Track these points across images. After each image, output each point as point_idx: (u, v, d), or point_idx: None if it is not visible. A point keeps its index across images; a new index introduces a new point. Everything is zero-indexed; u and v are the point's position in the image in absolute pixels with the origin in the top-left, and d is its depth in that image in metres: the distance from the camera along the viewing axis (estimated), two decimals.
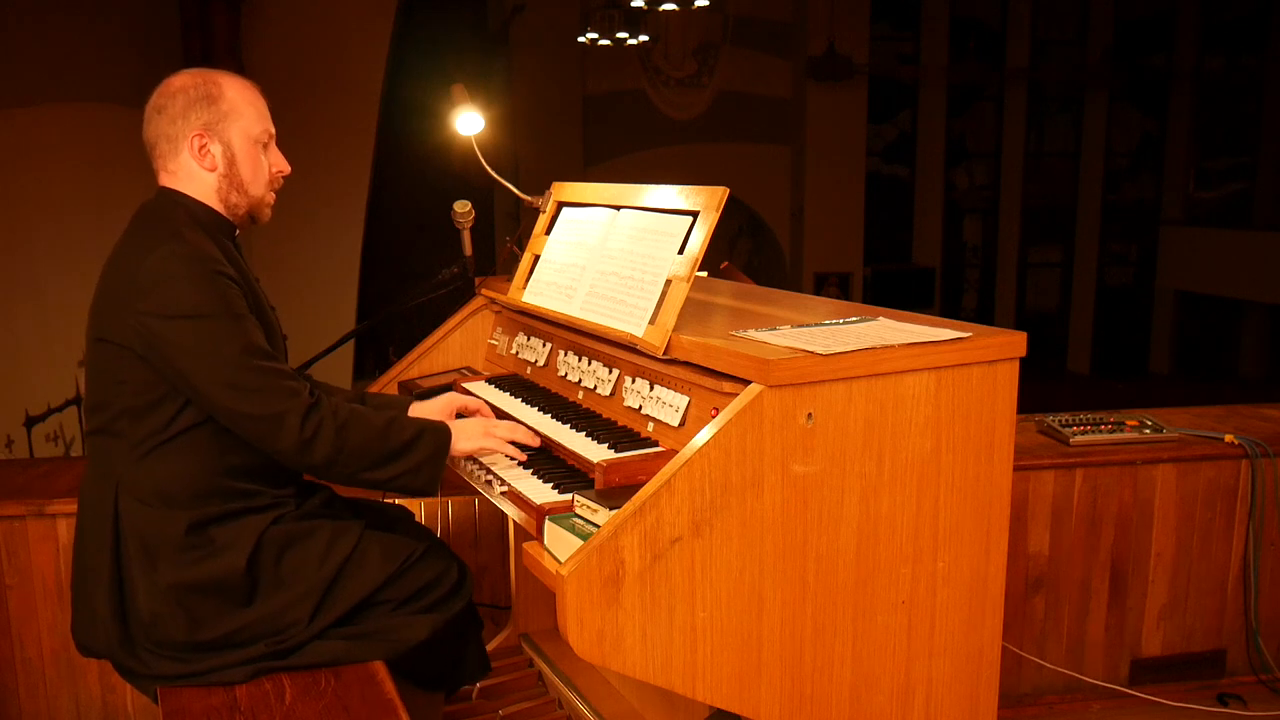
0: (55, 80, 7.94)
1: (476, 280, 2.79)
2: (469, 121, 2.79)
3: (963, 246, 16.01)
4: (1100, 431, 2.98)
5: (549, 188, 2.51)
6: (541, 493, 1.87)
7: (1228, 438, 2.98)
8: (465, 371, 2.69)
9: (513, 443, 2.03)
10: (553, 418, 2.12)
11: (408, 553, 2.06)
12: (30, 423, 7.05)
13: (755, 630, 1.66)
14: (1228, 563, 3.02)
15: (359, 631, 1.99)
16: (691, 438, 1.62)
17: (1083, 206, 15.67)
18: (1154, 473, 2.94)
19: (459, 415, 2.23)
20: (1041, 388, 11.16)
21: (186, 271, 1.82)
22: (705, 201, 1.94)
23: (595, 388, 2.14)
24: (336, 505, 2.14)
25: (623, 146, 13.88)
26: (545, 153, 13.27)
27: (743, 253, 15.23)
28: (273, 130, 2.07)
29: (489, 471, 2.03)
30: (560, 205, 2.46)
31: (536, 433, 2.07)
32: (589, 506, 1.68)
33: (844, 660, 1.76)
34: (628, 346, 1.98)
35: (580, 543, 1.56)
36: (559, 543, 1.65)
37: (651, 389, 1.95)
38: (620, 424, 2.01)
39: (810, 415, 1.64)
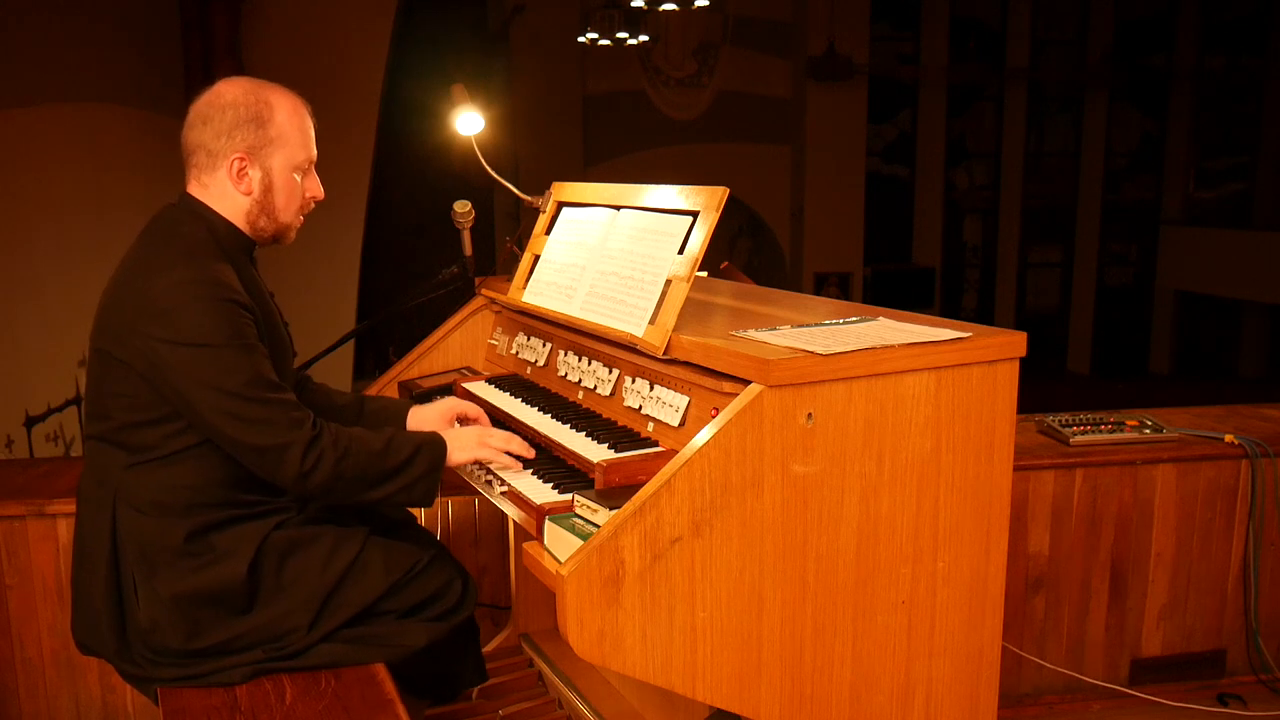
0: (55, 80, 7.94)
1: (476, 280, 2.79)
2: (469, 121, 2.79)
3: (963, 246, 16.02)
4: (1100, 431, 2.98)
5: (549, 188, 2.51)
6: (541, 493, 1.87)
7: (1228, 438, 2.98)
8: (465, 371, 2.69)
9: (508, 453, 2.03)
10: (553, 418, 2.12)
11: (412, 562, 2.05)
12: (30, 423, 7.05)
13: (755, 630, 1.66)
14: (1228, 563, 3.02)
15: (356, 635, 1.98)
16: (691, 438, 1.62)
17: (1083, 206, 15.68)
18: (1154, 473, 2.94)
19: (459, 420, 2.24)
20: (1041, 388, 11.15)
21: (199, 299, 1.79)
22: (705, 201, 1.94)
23: (595, 388, 2.14)
24: (339, 509, 2.14)
25: (623, 146, 13.88)
26: (545, 153, 13.27)
27: (743, 253, 15.23)
28: (315, 156, 2.03)
29: (489, 472, 2.03)
30: (560, 205, 2.46)
31: (534, 440, 2.07)
32: (589, 506, 1.68)
33: (844, 660, 1.76)
34: (628, 346, 1.98)
35: (580, 543, 1.56)
36: (559, 543, 1.65)
37: (651, 389, 1.95)
38: (620, 424, 2.01)
39: (810, 415, 1.64)
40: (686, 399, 1.85)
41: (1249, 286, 13.57)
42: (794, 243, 14.42)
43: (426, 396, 2.54)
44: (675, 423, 1.86)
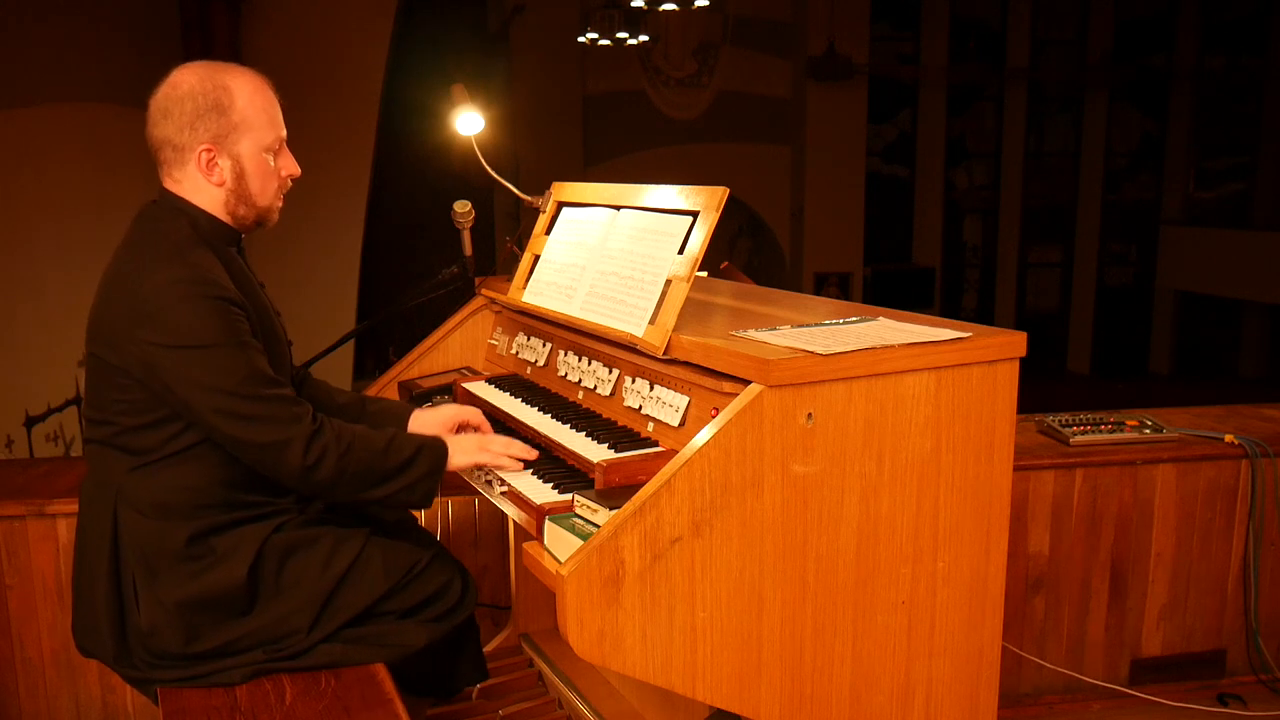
0: (55, 80, 7.95)
1: (476, 280, 2.79)
2: (469, 121, 2.79)
3: (963, 246, 16.02)
4: (1100, 431, 2.98)
5: (549, 188, 2.51)
6: (541, 493, 1.87)
7: (1228, 438, 2.98)
8: (465, 371, 2.69)
9: (508, 457, 2.02)
10: (553, 418, 2.12)
11: (411, 563, 2.05)
12: (30, 423, 7.05)
13: (755, 630, 1.66)
14: (1228, 563, 3.02)
15: (356, 635, 1.98)
16: (691, 438, 1.62)
17: (1083, 206, 15.68)
18: (1154, 473, 2.94)
19: (459, 429, 2.23)
20: (1041, 388, 11.16)
21: (187, 299, 1.77)
22: (705, 201, 1.94)
23: (595, 388, 2.14)
24: (340, 510, 2.14)
25: (623, 146, 13.88)
26: (545, 153, 13.27)
27: (743, 253, 15.23)
28: (284, 134, 1.98)
29: (489, 472, 2.03)
30: (560, 205, 2.46)
31: (534, 440, 2.07)
32: (589, 506, 1.68)
33: (844, 660, 1.76)
34: (628, 346, 1.98)
35: (580, 543, 1.56)
36: (559, 543, 1.65)
37: (651, 389, 1.95)
38: (620, 424, 2.01)
39: (810, 415, 1.64)
40: (686, 399, 1.85)
41: (1249, 286, 13.57)
42: (794, 243, 14.42)
43: (426, 397, 2.54)
44: (675, 423, 1.86)
